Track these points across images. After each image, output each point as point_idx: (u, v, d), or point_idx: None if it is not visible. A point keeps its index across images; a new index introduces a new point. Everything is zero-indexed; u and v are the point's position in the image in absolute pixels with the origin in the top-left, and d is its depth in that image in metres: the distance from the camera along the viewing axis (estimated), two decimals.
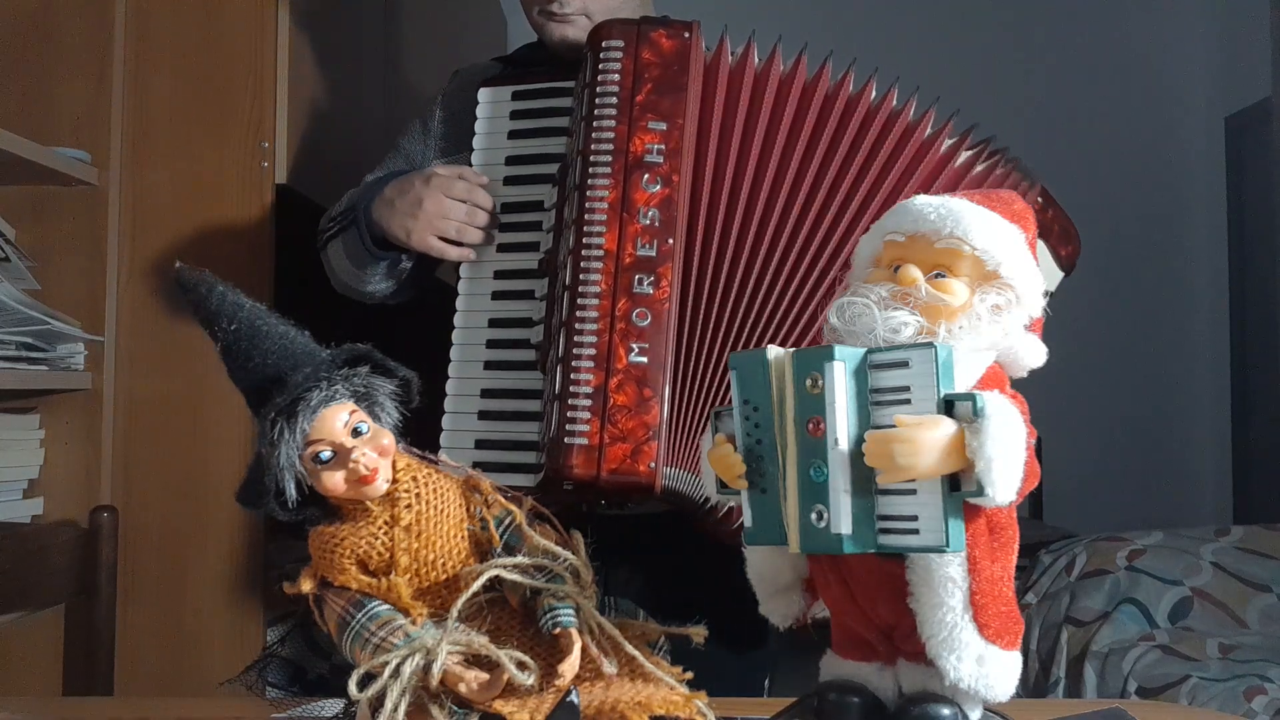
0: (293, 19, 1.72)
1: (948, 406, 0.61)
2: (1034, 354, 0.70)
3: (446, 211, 1.20)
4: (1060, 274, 1.22)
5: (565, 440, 1.05)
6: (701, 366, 1.10)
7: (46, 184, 1.65)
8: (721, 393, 1.09)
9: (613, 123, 1.13)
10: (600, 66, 1.15)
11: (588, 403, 1.06)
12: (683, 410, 1.09)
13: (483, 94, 1.27)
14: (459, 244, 1.22)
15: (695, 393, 1.10)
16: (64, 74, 1.68)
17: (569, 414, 1.06)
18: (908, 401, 0.62)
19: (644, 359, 1.07)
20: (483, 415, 1.17)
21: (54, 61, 1.68)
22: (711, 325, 1.11)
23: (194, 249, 1.67)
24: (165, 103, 1.70)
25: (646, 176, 1.11)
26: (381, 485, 0.72)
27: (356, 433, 0.71)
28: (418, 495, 0.73)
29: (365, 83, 2.13)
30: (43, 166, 1.56)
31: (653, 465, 1.05)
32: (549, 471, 1.07)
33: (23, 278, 1.61)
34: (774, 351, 0.66)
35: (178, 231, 1.69)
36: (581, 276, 1.10)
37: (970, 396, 0.60)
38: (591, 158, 1.12)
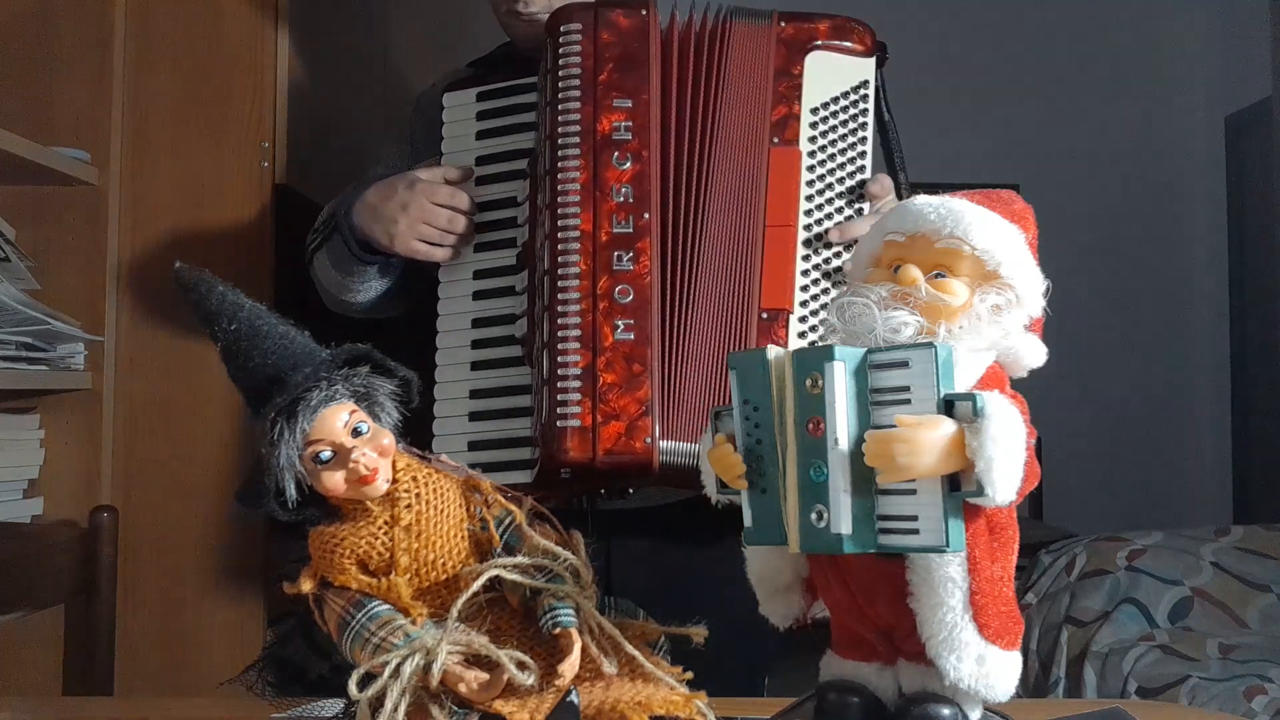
0: (292, 19, 1.72)
1: (948, 406, 0.61)
2: (1034, 354, 0.70)
3: (429, 217, 1.20)
4: (871, 60, 1.20)
5: (558, 424, 1.05)
6: (690, 337, 1.10)
7: (46, 184, 1.65)
8: (712, 361, 1.10)
9: (577, 104, 1.13)
10: (560, 51, 1.15)
11: (577, 384, 1.06)
12: (674, 382, 1.09)
13: (447, 98, 1.27)
14: (440, 246, 1.21)
15: (686, 364, 1.09)
16: (64, 74, 1.68)
17: (559, 397, 1.06)
18: (908, 401, 0.62)
19: (630, 335, 1.08)
20: (474, 416, 1.17)
21: (54, 61, 1.68)
22: (689, 293, 1.11)
23: (194, 249, 1.67)
24: (165, 103, 1.70)
25: (616, 154, 1.12)
26: (381, 485, 0.72)
27: (356, 433, 0.71)
28: (418, 495, 0.73)
29: (365, 83, 2.14)
30: (43, 166, 1.56)
31: (649, 441, 1.05)
32: (544, 459, 1.07)
33: (23, 278, 1.61)
34: (774, 351, 0.66)
35: (178, 231, 1.69)
36: (560, 259, 1.10)
37: (970, 396, 0.60)
38: (560, 141, 1.13)
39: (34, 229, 1.67)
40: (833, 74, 1.18)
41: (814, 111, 1.17)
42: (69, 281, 1.66)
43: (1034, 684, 2.68)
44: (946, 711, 0.66)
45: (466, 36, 2.90)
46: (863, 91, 1.19)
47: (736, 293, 1.12)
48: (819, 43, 1.18)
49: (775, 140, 1.15)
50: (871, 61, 1.20)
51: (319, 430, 0.70)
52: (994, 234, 0.69)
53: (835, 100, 1.18)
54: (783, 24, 1.19)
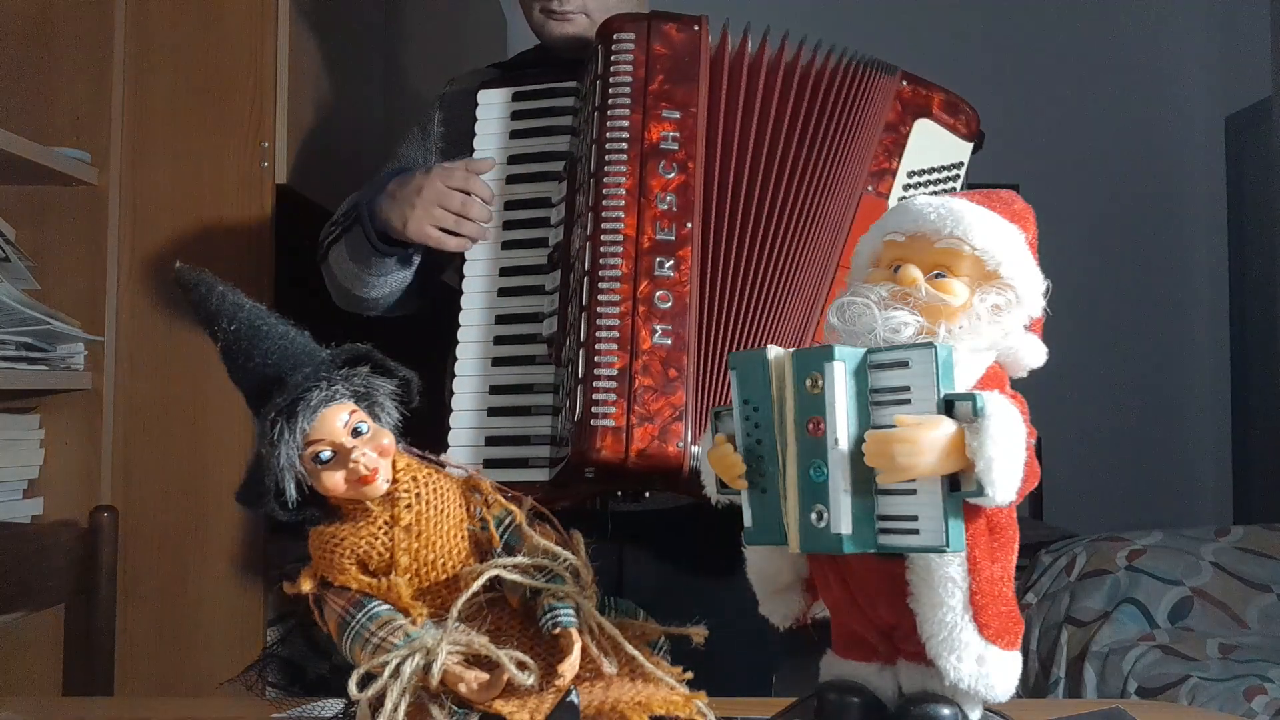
0: (293, 19, 1.72)
1: (948, 406, 0.61)
2: (1034, 354, 0.70)
3: (443, 200, 1.20)
4: (969, 144, 1.23)
5: (592, 423, 1.06)
6: (725, 347, 1.12)
7: (46, 184, 1.65)
8: None
9: (627, 111, 1.15)
10: (613, 58, 1.17)
11: (612, 384, 1.07)
12: (708, 391, 1.10)
13: (482, 95, 1.29)
14: (457, 235, 1.22)
15: (721, 373, 1.11)
16: (64, 74, 1.68)
17: (594, 396, 1.07)
18: (908, 401, 0.62)
19: (668, 340, 1.09)
20: (492, 412, 1.17)
21: (54, 61, 1.67)
22: (733, 306, 1.13)
23: (194, 249, 1.66)
24: (165, 103, 1.70)
25: (663, 163, 1.14)
26: (381, 485, 0.72)
27: (356, 433, 0.71)
28: (418, 495, 0.73)
29: (365, 82, 2.13)
30: (43, 166, 1.55)
31: (681, 445, 1.06)
32: (573, 456, 1.07)
33: (23, 278, 1.61)
34: (774, 351, 0.66)
35: (178, 231, 1.69)
36: (602, 261, 1.11)
37: (970, 396, 0.60)
38: (608, 145, 1.15)
39: (34, 229, 1.66)
40: (935, 146, 1.21)
41: (910, 175, 1.20)
42: (69, 281, 1.66)
43: (1034, 684, 2.68)
44: (946, 711, 0.66)
45: (467, 37, 2.91)
46: (956, 172, 1.22)
47: (794, 319, 1.14)
48: (932, 112, 1.22)
49: (869, 189, 1.18)
50: (970, 146, 1.24)
51: (319, 430, 0.70)
52: (994, 234, 0.69)
53: (932, 171, 1.21)
54: (904, 83, 1.22)
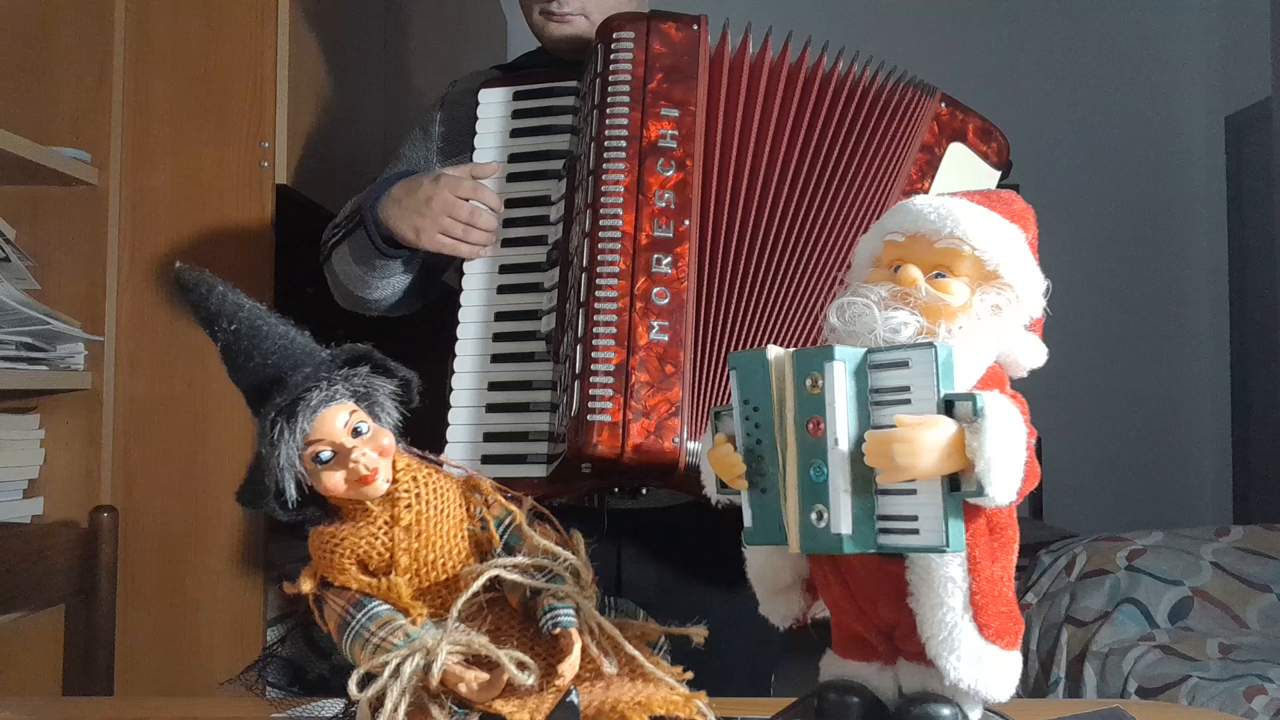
0: (293, 19, 1.72)
1: (948, 406, 0.61)
2: (1034, 354, 0.71)
3: (453, 210, 1.21)
4: (997, 173, 1.24)
5: (589, 417, 1.06)
6: (721, 344, 1.12)
7: (46, 184, 1.65)
8: None
9: (626, 109, 1.16)
10: (612, 57, 1.18)
11: (609, 380, 1.07)
12: (704, 387, 1.10)
13: (483, 94, 1.29)
14: (464, 243, 1.23)
15: (717, 370, 1.11)
16: (64, 74, 1.68)
17: (591, 391, 1.07)
18: (908, 401, 0.62)
19: (665, 337, 1.09)
20: (491, 408, 1.18)
21: (54, 61, 1.68)
22: (730, 303, 1.13)
23: (194, 249, 1.66)
24: (165, 103, 1.70)
25: (661, 161, 1.14)
26: (381, 485, 0.72)
27: (356, 433, 0.71)
28: (418, 495, 0.73)
29: (366, 82, 2.13)
30: (43, 166, 1.55)
31: (677, 441, 1.06)
32: (570, 451, 1.08)
33: (23, 278, 1.61)
34: (774, 351, 0.66)
35: (178, 231, 1.69)
36: (600, 257, 1.11)
37: (970, 396, 0.60)
38: (606, 143, 1.15)
39: (34, 229, 1.66)
40: (966, 171, 1.22)
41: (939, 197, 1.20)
42: (69, 281, 1.66)
43: (1034, 684, 2.68)
44: (946, 711, 0.66)
45: (468, 37, 2.91)
46: None
47: (799, 319, 1.14)
48: (967, 137, 1.22)
49: None
50: (998, 175, 1.24)
51: (319, 430, 0.70)
52: (994, 234, 0.69)
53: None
54: (943, 105, 1.22)
